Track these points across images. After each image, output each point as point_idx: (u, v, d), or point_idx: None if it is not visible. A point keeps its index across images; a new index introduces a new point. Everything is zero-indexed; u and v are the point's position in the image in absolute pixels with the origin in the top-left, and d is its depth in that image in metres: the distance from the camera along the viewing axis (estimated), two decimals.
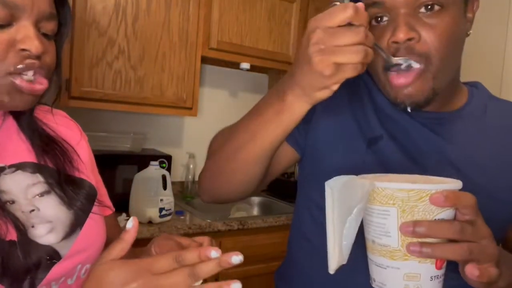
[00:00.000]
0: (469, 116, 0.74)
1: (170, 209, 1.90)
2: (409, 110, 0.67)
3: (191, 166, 2.43)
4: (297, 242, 0.85)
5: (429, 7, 0.62)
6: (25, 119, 0.70)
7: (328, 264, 0.51)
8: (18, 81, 0.60)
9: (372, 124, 0.74)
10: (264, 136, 0.65)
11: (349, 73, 0.52)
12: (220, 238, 1.95)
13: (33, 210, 0.64)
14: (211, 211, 2.18)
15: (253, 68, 2.45)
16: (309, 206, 0.80)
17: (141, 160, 1.98)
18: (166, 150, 2.33)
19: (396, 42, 0.63)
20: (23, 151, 0.68)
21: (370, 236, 0.53)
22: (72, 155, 0.74)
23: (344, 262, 0.51)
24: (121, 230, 0.87)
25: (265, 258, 2.10)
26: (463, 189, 0.66)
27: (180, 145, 2.49)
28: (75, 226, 0.68)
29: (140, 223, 1.82)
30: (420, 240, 0.49)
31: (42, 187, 0.67)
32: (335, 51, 0.51)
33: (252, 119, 0.68)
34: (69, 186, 0.70)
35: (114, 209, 0.85)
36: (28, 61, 0.60)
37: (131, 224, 0.55)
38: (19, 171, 0.66)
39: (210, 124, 2.58)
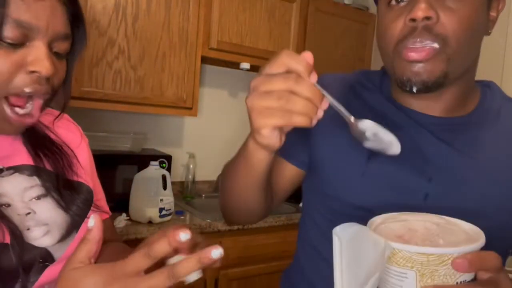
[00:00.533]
0: (481, 120, 0.70)
1: (170, 209, 1.90)
2: (414, 91, 0.64)
3: (191, 166, 2.43)
4: (302, 246, 0.85)
5: None
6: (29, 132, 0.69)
7: None
8: (9, 111, 0.58)
9: None
10: (243, 178, 0.67)
11: (272, 118, 0.51)
12: (220, 238, 1.95)
13: (29, 213, 0.63)
14: (211, 211, 2.18)
15: (253, 68, 2.44)
16: (313, 213, 0.80)
17: (141, 160, 1.98)
18: (166, 150, 2.33)
19: (413, 20, 0.61)
20: (21, 153, 0.68)
21: None
22: (71, 159, 0.74)
23: None
24: (116, 233, 0.86)
25: (265, 258, 2.10)
26: (476, 198, 0.65)
27: (180, 145, 2.49)
28: (71, 229, 0.67)
29: (140, 223, 1.82)
30: None
31: (39, 190, 0.66)
32: (261, 95, 0.50)
33: (234, 161, 0.71)
34: (67, 190, 0.69)
35: (110, 213, 0.85)
36: (35, 86, 0.58)
37: (93, 222, 0.52)
38: (16, 174, 0.65)
39: (210, 124, 2.58)
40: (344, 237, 0.44)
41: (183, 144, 2.50)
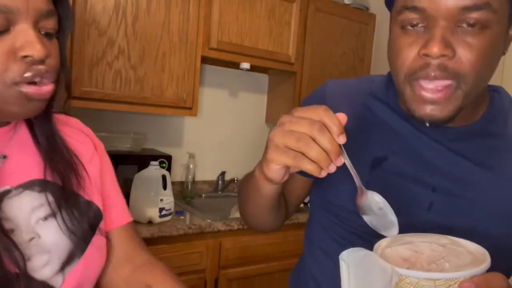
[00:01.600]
0: (489, 127, 0.69)
1: (170, 209, 1.90)
2: (427, 125, 0.62)
3: (191, 166, 2.43)
4: (309, 246, 0.86)
5: (472, 24, 0.57)
6: (41, 128, 0.67)
7: None
8: (24, 88, 0.56)
9: (377, 144, 0.71)
10: (254, 202, 0.71)
11: (284, 157, 0.52)
12: (220, 238, 1.95)
13: (32, 239, 0.61)
14: (211, 211, 2.18)
15: (253, 68, 2.44)
16: (320, 216, 0.80)
17: (141, 160, 1.98)
18: (166, 150, 2.33)
19: (427, 55, 0.58)
20: (32, 166, 0.65)
21: None
22: (82, 173, 0.70)
23: None
24: (139, 241, 0.81)
25: (265, 258, 2.10)
26: (482, 206, 0.64)
27: (180, 145, 2.49)
28: (73, 256, 0.64)
29: (140, 223, 1.82)
30: None
31: (47, 209, 0.63)
32: (284, 132, 0.52)
33: (246, 183, 0.74)
34: (75, 208, 0.66)
35: (131, 219, 0.82)
36: (34, 67, 0.56)
37: None
38: (26, 192, 0.63)
39: (210, 124, 2.58)
40: (351, 262, 0.45)
41: (183, 144, 2.50)
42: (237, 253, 2.01)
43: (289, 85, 2.54)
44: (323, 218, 0.79)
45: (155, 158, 2.03)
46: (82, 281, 0.65)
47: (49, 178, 0.65)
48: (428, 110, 0.60)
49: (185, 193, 2.41)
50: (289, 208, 0.85)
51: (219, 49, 2.14)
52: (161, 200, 1.85)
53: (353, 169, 0.54)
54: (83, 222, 0.67)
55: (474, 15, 0.56)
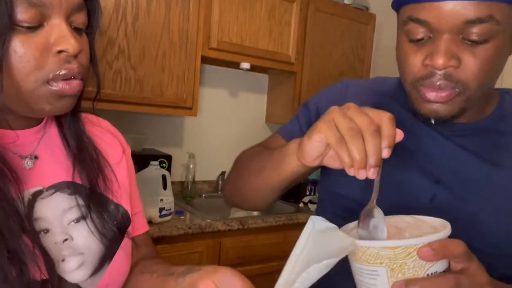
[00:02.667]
0: (496, 125, 0.70)
1: (170, 209, 1.90)
2: (432, 122, 0.65)
3: (191, 166, 2.43)
4: None
5: (476, 39, 0.58)
6: (70, 128, 0.67)
7: None
8: (54, 86, 0.55)
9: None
10: (270, 173, 0.68)
11: (330, 133, 0.52)
12: (220, 238, 1.95)
13: (66, 239, 0.61)
14: (211, 211, 2.18)
15: (253, 68, 2.44)
16: (326, 213, 0.81)
17: (141, 160, 1.98)
18: (166, 150, 2.33)
19: (433, 66, 0.60)
20: (62, 167, 0.65)
21: None
22: (110, 176, 0.70)
23: None
24: (153, 248, 0.82)
25: (265, 258, 2.10)
26: (486, 201, 0.65)
27: (180, 145, 2.49)
28: (105, 259, 0.64)
29: None
30: None
31: (77, 212, 0.63)
32: (344, 115, 0.52)
33: (265, 154, 0.72)
34: (104, 212, 0.66)
35: (147, 228, 0.82)
36: (67, 65, 0.55)
37: None
38: (57, 193, 0.62)
39: (210, 124, 2.58)
40: (317, 226, 0.46)
41: (183, 144, 2.50)
42: (237, 253, 2.01)
43: (289, 85, 2.54)
44: (330, 214, 0.79)
45: (155, 158, 2.03)
46: (110, 284, 0.65)
47: (77, 180, 0.65)
48: (433, 107, 0.62)
49: (185, 193, 2.41)
50: (284, 190, 0.84)
51: (219, 49, 2.14)
52: (161, 200, 1.85)
53: (379, 183, 0.53)
54: (113, 224, 0.66)
55: (478, 28, 0.57)
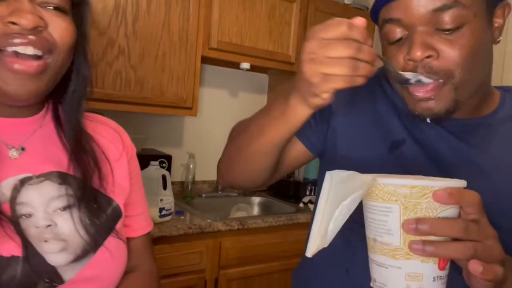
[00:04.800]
0: (500, 122, 0.71)
1: (170, 209, 1.90)
2: (428, 121, 0.66)
3: (191, 166, 2.43)
4: None
5: (448, 28, 0.60)
6: (69, 121, 0.67)
7: (307, 246, 0.50)
8: (8, 60, 0.54)
9: (395, 128, 0.73)
10: (271, 132, 0.68)
11: (337, 84, 0.53)
12: (220, 238, 1.95)
13: (49, 226, 0.61)
14: (211, 211, 2.18)
15: (253, 68, 2.44)
16: None
17: (141, 160, 1.96)
18: (166, 150, 2.33)
19: (411, 60, 0.61)
20: (55, 159, 0.65)
21: (371, 234, 0.52)
22: (106, 171, 0.70)
23: (325, 246, 0.50)
24: (150, 254, 0.82)
25: (265, 258, 2.09)
26: (490, 197, 0.65)
27: (180, 145, 2.49)
28: (88, 250, 0.64)
29: None
30: (423, 238, 0.47)
31: (66, 200, 0.63)
32: (323, 62, 0.52)
33: (262, 115, 0.72)
34: (95, 204, 0.66)
35: (151, 228, 0.82)
36: (17, 35, 0.54)
37: None
38: (47, 181, 0.63)
39: (210, 124, 2.58)
40: (336, 175, 0.49)
41: (183, 144, 2.50)
42: (237, 253, 2.01)
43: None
44: None
45: (155, 158, 2.03)
46: (95, 279, 0.64)
47: (71, 171, 0.65)
48: (426, 105, 0.64)
49: (185, 193, 2.41)
50: (277, 172, 0.83)
51: (219, 49, 2.14)
52: (161, 200, 1.85)
53: (384, 59, 0.57)
54: (102, 217, 0.67)
55: (447, 15, 0.59)
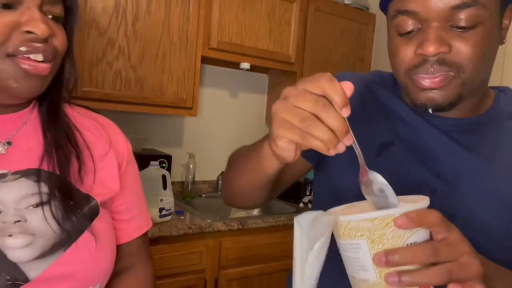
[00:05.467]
0: (493, 121, 0.71)
1: (170, 209, 1.90)
2: (430, 111, 0.65)
3: (191, 166, 2.43)
4: None
5: (464, 25, 0.59)
6: (49, 117, 0.69)
7: None
8: (21, 63, 0.59)
9: (384, 129, 0.73)
10: (253, 174, 0.68)
11: (288, 133, 0.50)
12: (220, 238, 1.95)
13: (18, 221, 0.60)
14: (211, 211, 2.18)
15: (253, 68, 2.45)
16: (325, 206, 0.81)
17: (141, 160, 1.97)
18: (166, 150, 2.33)
19: (424, 55, 0.60)
20: (35, 155, 0.65)
21: (349, 272, 0.50)
22: (88, 168, 0.69)
23: None
24: (147, 252, 0.81)
25: (265, 258, 2.10)
26: (484, 195, 0.65)
27: (180, 145, 2.49)
28: (58, 246, 0.62)
29: None
30: (397, 269, 0.46)
31: (40, 197, 0.63)
32: (287, 107, 0.49)
33: (245, 155, 0.72)
34: (71, 201, 0.65)
35: (148, 227, 0.82)
36: (32, 44, 0.59)
37: None
38: (22, 179, 0.63)
39: (210, 124, 2.58)
40: (304, 223, 0.47)
41: (183, 144, 2.50)
42: (237, 253, 2.01)
43: (289, 85, 2.53)
44: (322, 207, 0.79)
45: (155, 158, 2.03)
46: (66, 278, 0.62)
47: (46, 167, 0.65)
48: (429, 95, 0.63)
49: (185, 193, 2.41)
50: (280, 186, 0.84)
51: (219, 49, 2.14)
52: (161, 200, 1.85)
53: (357, 146, 0.52)
54: (76, 214, 0.65)
55: (465, 13, 0.58)
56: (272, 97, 2.73)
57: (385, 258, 0.45)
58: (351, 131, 0.50)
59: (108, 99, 1.87)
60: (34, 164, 0.65)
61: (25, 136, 0.66)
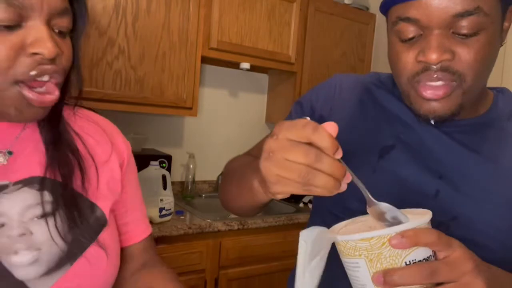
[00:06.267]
0: (492, 122, 0.70)
1: (170, 209, 1.90)
2: (432, 122, 0.65)
3: (191, 166, 2.43)
4: None
5: (465, 33, 0.58)
6: (48, 124, 0.65)
7: None
8: (26, 92, 0.54)
9: (385, 134, 0.73)
10: (245, 199, 0.67)
11: (290, 188, 0.49)
12: (220, 238, 1.95)
13: (23, 234, 0.58)
14: (211, 211, 2.18)
15: (253, 68, 2.44)
16: (322, 213, 0.80)
17: (141, 160, 1.98)
18: (166, 150, 2.33)
19: (426, 62, 0.60)
20: (36, 163, 0.63)
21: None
22: (91, 174, 0.67)
23: None
24: (155, 253, 0.80)
25: (265, 258, 2.10)
26: (487, 196, 0.65)
27: (180, 145, 2.49)
28: (64, 260, 0.60)
29: None
30: None
31: (44, 207, 0.60)
32: (279, 163, 0.48)
33: (235, 180, 0.72)
34: (75, 210, 0.63)
35: (150, 231, 0.81)
36: (41, 67, 0.54)
37: None
38: (25, 188, 0.60)
39: (210, 124, 2.58)
40: (309, 239, 0.48)
41: (183, 144, 2.50)
42: (237, 253, 2.01)
43: (289, 85, 2.54)
44: (328, 215, 0.78)
45: (155, 158, 2.03)
46: None
47: (50, 175, 0.62)
48: (431, 106, 0.62)
49: (185, 193, 2.41)
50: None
51: (219, 49, 2.14)
52: (161, 200, 1.85)
53: (358, 181, 0.51)
54: (81, 227, 0.63)
55: (467, 20, 0.57)
56: (272, 97, 2.74)
57: (383, 278, 0.45)
58: (348, 169, 0.49)
59: (108, 99, 1.87)
60: (35, 172, 0.62)
61: (25, 144, 0.63)
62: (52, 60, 0.55)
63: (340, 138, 0.77)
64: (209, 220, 1.93)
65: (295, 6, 2.35)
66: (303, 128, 0.47)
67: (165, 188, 1.91)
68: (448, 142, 0.69)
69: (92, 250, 0.63)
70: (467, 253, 0.48)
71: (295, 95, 2.49)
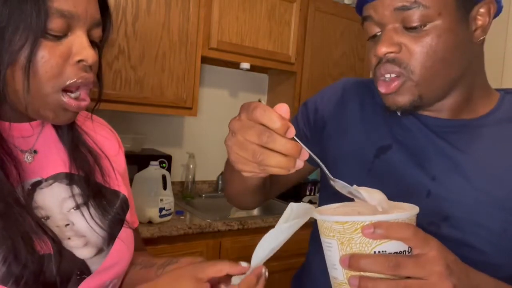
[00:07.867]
0: (492, 124, 0.70)
1: (170, 209, 1.90)
2: (399, 114, 0.69)
3: (191, 166, 2.43)
4: (313, 247, 0.87)
5: (411, 26, 0.62)
6: (65, 127, 0.70)
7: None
8: (66, 99, 0.59)
9: (382, 133, 0.75)
10: (237, 184, 0.72)
11: (245, 167, 0.52)
12: (220, 238, 1.95)
13: (68, 224, 0.64)
14: (211, 211, 2.18)
15: (253, 68, 2.45)
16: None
17: (141, 160, 1.98)
18: (166, 150, 2.33)
19: (376, 56, 0.65)
20: (60, 161, 0.68)
21: (327, 267, 0.53)
22: (108, 167, 0.74)
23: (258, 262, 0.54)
24: (141, 242, 0.86)
25: None
26: (476, 199, 0.65)
27: (180, 145, 2.50)
28: (108, 241, 0.68)
29: (140, 223, 1.82)
30: (362, 273, 0.46)
31: (77, 200, 0.66)
32: (237, 142, 0.51)
33: (229, 166, 0.75)
34: (103, 199, 0.69)
35: (138, 223, 0.87)
36: (84, 74, 0.59)
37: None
38: (56, 184, 0.66)
39: (210, 124, 2.58)
40: (295, 209, 0.51)
41: (183, 144, 2.50)
42: (237, 253, 2.01)
43: (289, 85, 2.54)
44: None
45: (155, 158, 2.03)
46: (114, 266, 0.67)
47: (74, 171, 0.68)
48: (391, 100, 0.67)
49: (185, 193, 2.41)
50: (277, 189, 0.88)
51: (219, 49, 2.14)
52: (161, 200, 1.85)
53: (317, 158, 0.53)
54: (112, 210, 0.70)
55: (410, 14, 0.61)
56: (272, 97, 2.74)
57: (348, 261, 0.47)
58: (304, 147, 0.50)
59: (108, 99, 1.87)
60: (61, 168, 0.67)
61: (46, 143, 0.68)
62: (90, 68, 0.60)
63: (339, 138, 0.78)
64: (209, 220, 1.93)
65: (295, 6, 2.35)
66: (253, 111, 0.49)
67: (165, 188, 1.91)
68: (442, 144, 0.69)
69: (123, 232, 0.70)
70: (442, 252, 0.47)
71: (295, 95, 2.49)
